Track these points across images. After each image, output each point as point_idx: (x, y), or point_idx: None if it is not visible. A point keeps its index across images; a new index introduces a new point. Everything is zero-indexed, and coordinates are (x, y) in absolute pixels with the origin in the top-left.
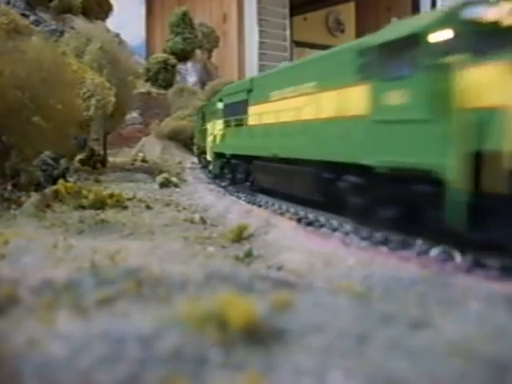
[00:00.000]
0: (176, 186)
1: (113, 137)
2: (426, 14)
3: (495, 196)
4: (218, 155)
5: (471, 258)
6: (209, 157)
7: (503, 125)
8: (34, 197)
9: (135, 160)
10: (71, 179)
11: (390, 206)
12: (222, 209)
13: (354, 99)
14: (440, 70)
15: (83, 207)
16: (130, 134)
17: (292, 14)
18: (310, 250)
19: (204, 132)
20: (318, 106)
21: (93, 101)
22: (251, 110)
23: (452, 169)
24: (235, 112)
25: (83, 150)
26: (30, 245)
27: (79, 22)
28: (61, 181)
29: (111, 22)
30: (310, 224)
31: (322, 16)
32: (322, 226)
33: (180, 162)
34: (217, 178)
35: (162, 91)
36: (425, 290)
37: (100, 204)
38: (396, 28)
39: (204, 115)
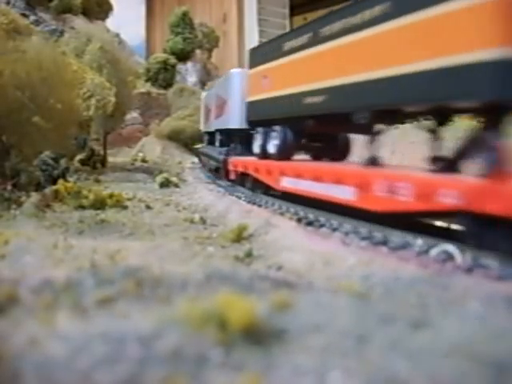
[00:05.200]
0: (176, 185)
1: (113, 137)
2: None
3: None
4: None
5: (471, 257)
6: None
7: None
8: (34, 197)
9: (135, 160)
10: (71, 179)
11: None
12: (221, 209)
13: None
14: None
15: (83, 207)
16: (130, 134)
17: (292, 13)
18: (310, 250)
19: None
20: None
21: (93, 101)
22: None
23: None
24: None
25: (83, 150)
26: (30, 245)
27: (79, 22)
28: (61, 181)
29: (111, 22)
30: (310, 224)
31: None
32: (322, 225)
33: (180, 162)
34: None
35: (162, 91)
36: (425, 290)
37: (100, 204)
38: None
39: None
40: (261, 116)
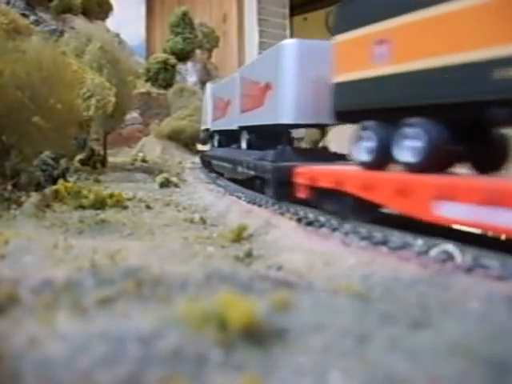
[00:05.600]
0: (176, 185)
1: (113, 137)
2: None
3: None
4: None
5: (471, 257)
6: None
7: None
8: (34, 197)
9: (135, 160)
10: (71, 179)
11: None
12: (222, 209)
13: None
14: None
15: (83, 207)
16: (129, 134)
17: (292, 13)
18: (310, 250)
19: None
20: None
21: (93, 101)
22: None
23: None
24: None
25: (83, 150)
26: (30, 245)
27: (79, 22)
28: (61, 181)
29: (111, 22)
30: (310, 224)
31: (321, 16)
32: (322, 225)
33: (180, 162)
34: None
35: (162, 91)
36: (425, 290)
37: (100, 204)
38: None
39: None
40: (373, 103)
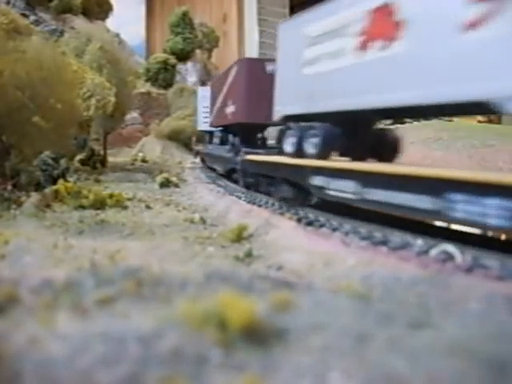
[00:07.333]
0: (176, 185)
1: (113, 137)
2: None
3: None
4: None
5: (471, 257)
6: None
7: None
8: (34, 197)
9: (135, 160)
10: (71, 179)
11: None
12: (221, 209)
13: None
14: None
15: (83, 207)
16: (130, 134)
17: (292, 13)
18: (310, 250)
19: None
20: None
21: (93, 101)
22: None
23: None
24: None
25: (83, 150)
26: (30, 245)
27: (79, 22)
28: (61, 181)
29: (111, 22)
30: (309, 224)
31: None
32: (322, 225)
33: (180, 162)
34: None
35: (162, 91)
36: (425, 290)
37: (100, 204)
38: None
39: None
40: None
